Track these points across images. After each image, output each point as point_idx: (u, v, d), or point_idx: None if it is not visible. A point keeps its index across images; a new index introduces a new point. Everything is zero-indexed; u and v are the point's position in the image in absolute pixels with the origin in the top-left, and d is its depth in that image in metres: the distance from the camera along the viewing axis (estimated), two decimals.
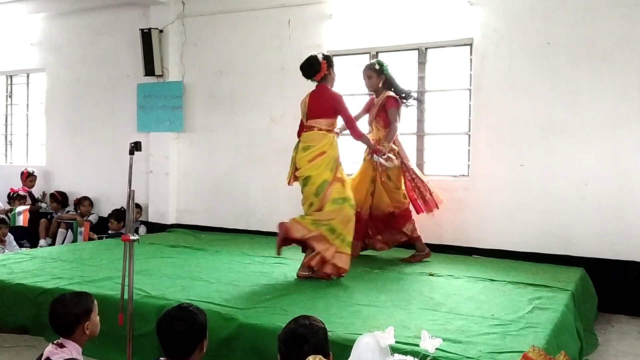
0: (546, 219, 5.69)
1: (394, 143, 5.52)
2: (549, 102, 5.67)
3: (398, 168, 5.52)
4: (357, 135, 5.06)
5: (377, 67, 5.55)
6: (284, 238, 4.81)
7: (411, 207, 5.68)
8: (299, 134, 5.05)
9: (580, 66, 5.53)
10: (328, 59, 5.00)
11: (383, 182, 5.53)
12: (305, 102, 5.02)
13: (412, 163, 5.78)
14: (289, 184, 5.10)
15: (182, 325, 2.44)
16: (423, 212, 5.66)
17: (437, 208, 5.67)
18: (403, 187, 5.62)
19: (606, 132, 5.45)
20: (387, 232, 5.70)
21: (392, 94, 5.55)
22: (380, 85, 5.55)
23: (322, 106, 4.91)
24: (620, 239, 5.39)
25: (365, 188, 5.53)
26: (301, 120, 5.08)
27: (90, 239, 7.52)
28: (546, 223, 5.69)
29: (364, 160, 5.64)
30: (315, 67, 4.95)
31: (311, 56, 5.04)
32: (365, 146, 5.45)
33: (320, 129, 4.89)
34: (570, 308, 4.14)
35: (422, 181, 5.64)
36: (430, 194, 5.62)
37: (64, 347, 2.68)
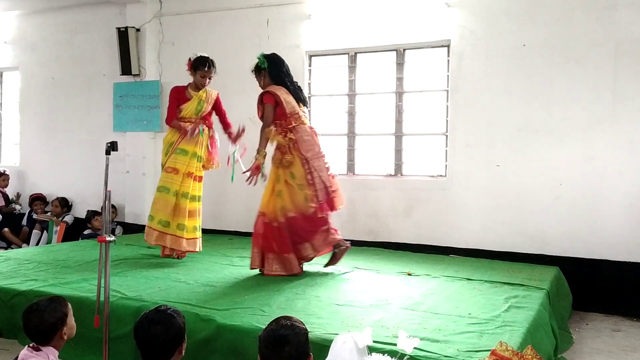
0: (522, 218, 5.76)
1: (291, 133, 4.93)
2: (524, 103, 5.74)
3: (299, 162, 4.92)
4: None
5: (253, 69, 5.22)
6: None
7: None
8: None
9: (555, 68, 5.61)
10: (192, 63, 5.55)
11: (286, 182, 4.93)
12: None
13: (317, 156, 4.99)
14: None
15: (160, 329, 2.41)
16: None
17: (331, 211, 5.03)
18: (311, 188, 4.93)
19: (580, 133, 5.53)
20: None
21: (269, 89, 5.05)
22: (267, 82, 5.11)
23: None
24: (594, 238, 5.49)
25: (269, 189, 5.01)
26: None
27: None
28: (522, 222, 5.76)
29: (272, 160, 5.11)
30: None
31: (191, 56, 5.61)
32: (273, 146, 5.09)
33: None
34: (545, 306, 4.20)
35: (322, 179, 4.94)
36: (328, 195, 4.97)
37: (40, 350, 2.64)
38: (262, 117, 5.09)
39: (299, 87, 5.26)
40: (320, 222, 4.94)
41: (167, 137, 5.66)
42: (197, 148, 5.57)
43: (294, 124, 4.98)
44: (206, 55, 5.57)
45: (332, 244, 5.01)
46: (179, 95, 5.60)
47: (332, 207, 5.03)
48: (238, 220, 7.15)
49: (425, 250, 6.08)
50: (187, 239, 5.52)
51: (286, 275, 4.85)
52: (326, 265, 5.10)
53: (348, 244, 5.11)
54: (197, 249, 5.63)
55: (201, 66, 5.49)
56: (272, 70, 5.13)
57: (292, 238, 4.90)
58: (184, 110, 5.54)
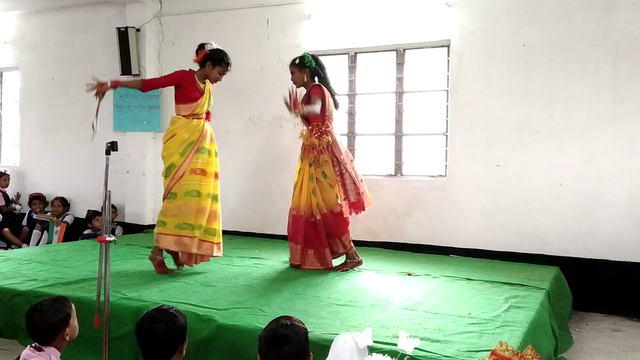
0: (522, 218, 5.76)
1: (327, 135, 5.18)
2: (524, 103, 5.74)
3: (331, 162, 5.16)
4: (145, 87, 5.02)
5: (297, 61, 5.26)
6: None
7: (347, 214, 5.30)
8: None
9: (555, 68, 5.61)
10: (211, 54, 4.94)
11: (318, 180, 5.17)
12: None
13: (348, 159, 5.32)
14: None
15: (162, 328, 2.40)
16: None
17: (360, 211, 5.41)
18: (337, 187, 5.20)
19: (580, 133, 5.53)
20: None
21: (318, 83, 5.28)
22: (305, 79, 5.26)
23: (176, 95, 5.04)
24: (594, 238, 5.49)
25: (307, 187, 5.18)
26: None
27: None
28: (522, 222, 5.76)
29: (300, 157, 5.31)
30: (196, 50, 5.03)
31: (204, 43, 5.04)
32: (300, 143, 5.32)
33: (178, 114, 5.00)
34: (545, 306, 4.20)
35: (353, 180, 5.26)
36: (359, 195, 5.29)
37: (42, 350, 2.64)
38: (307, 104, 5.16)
39: (335, 91, 5.43)
40: (347, 221, 5.27)
41: (183, 135, 4.93)
42: (214, 145, 5.12)
43: (330, 127, 5.22)
44: (224, 50, 5.06)
45: (352, 248, 5.32)
46: (187, 83, 4.94)
47: (361, 208, 5.36)
48: (238, 221, 7.14)
49: (425, 250, 6.08)
50: (216, 243, 5.05)
51: (322, 269, 5.14)
52: (336, 268, 5.23)
53: (360, 259, 5.34)
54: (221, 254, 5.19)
55: (224, 63, 4.98)
56: (317, 71, 5.28)
57: (326, 233, 5.19)
58: (199, 107, 4.97)
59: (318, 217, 5.14)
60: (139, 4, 7.55)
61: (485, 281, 4.78)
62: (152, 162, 7.72)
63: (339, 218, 5.18)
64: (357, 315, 3.74)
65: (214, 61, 4.96)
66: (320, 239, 5.16)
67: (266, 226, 7.00)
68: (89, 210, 7.67)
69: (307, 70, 5.24)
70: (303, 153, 5.26)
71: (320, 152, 5.14)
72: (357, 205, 5.32)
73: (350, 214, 5.34)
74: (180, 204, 4.89)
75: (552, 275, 5.08)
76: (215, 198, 5.06)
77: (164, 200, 5.01)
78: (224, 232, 7.11)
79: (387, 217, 6.36)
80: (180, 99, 4.99)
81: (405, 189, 6.30)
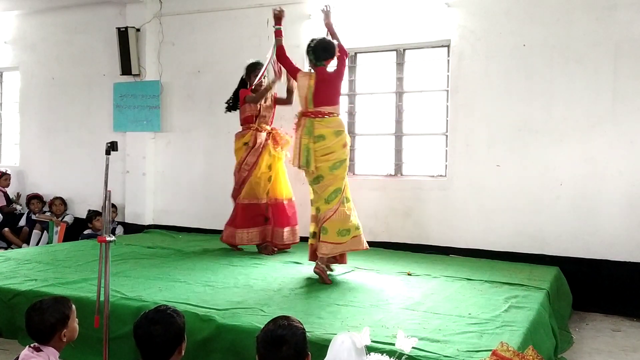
0: (522, 218, 5.76)
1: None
2: (524, 103, 5.74)
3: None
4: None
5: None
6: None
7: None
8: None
9: (555, 68, 5.61)
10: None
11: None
12: (310, 86, 4.85)
13: None
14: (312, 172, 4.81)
15: (159, 329, 2.40)
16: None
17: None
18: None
19: (580, 133, 5.53)
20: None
21: None
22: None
23: (336, 92, 4.94)
24: (594, 239, 5.48)
25: (284, 175, 6.03)
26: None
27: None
28: (522, 223, 5.76)
29: (268, 150, 5.93)
30: (332, 52, 4.95)
31: (328, 40, 5.01)
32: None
33: (339, 114, 4.93)
34: (545, 306, 4.20)
35: None
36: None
37: (41, 350, 2.64)
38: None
39: None
40: None
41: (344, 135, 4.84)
42: None
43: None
44: None
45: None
46: None
47: None
48: None
49: (425, 250, 6.08)
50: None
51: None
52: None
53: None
54: None
55: None
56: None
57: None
58: None
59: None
60: (139, 4, 7.55)
61: (485, 281, 4.77)
62: (152, 162, 7.72)
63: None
64: (357, 315, 3.74)
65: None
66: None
67: None
68: (89, 210, 7.67)
69: None
70: (273, 144, 5.90)
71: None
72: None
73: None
74: (348, 210, 4.83)
75: (552, 275, 5.08)
76: None
77: (340, 204, 4.76)
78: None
79: (387, 217, 6.36)
80: (339, 96, 4.98)
81: (405, 189, 6.29)
